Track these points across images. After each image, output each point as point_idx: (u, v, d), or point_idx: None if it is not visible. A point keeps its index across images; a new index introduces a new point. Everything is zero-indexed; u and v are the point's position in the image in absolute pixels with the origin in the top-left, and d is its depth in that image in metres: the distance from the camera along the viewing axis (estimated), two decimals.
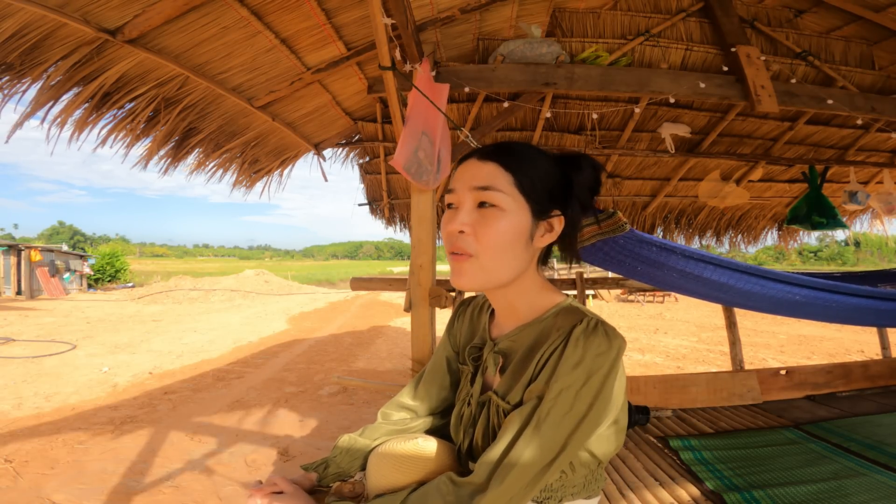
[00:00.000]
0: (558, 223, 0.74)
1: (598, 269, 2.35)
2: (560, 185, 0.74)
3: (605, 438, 0.71)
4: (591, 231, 1.87)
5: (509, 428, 0.65)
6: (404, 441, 0.77)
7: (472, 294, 0.95)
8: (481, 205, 0.70)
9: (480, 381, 0.79)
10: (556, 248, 0.79)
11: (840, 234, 4.28)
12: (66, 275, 17.07)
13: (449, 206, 0.75)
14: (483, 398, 0.76)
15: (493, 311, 0.86)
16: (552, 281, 1.15)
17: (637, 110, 2.72)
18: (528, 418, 0.64)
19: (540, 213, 0.72)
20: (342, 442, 0.87)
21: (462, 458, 0.79)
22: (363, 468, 0.84)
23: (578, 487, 0.74)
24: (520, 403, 0.68)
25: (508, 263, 0.71)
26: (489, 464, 0.63)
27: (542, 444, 0.62)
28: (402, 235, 4.30)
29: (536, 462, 0.62)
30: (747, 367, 2.83)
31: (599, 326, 0.66)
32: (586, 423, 0.64)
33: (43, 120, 1.80)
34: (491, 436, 0.72)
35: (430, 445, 0.77)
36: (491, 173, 0.70)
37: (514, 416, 0.66)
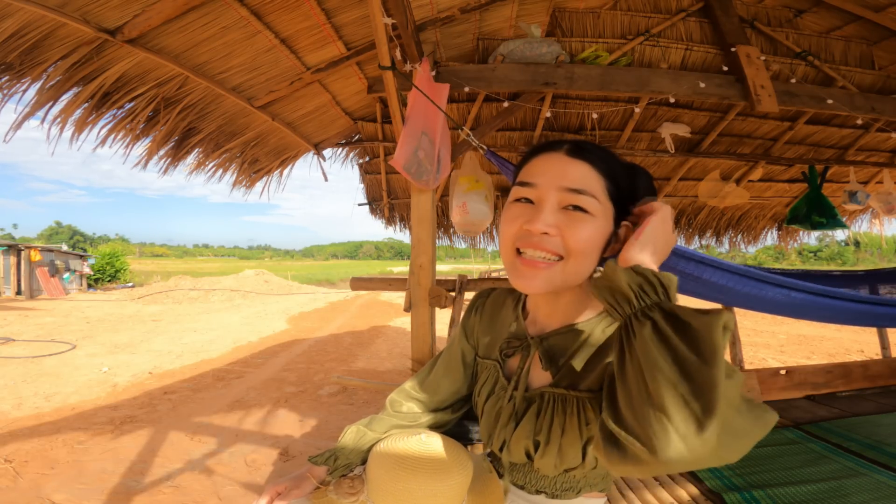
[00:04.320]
0: (625, 233, 0.68)
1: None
2: (630, 194, 0.69)
3: None
4: None
5: None
6: (406, 437, 0.76)
7: (490, 287, 0.93)
8: (566, 206, 0.65)
9: (526, 378, 0.75)
10: None
11: (840, 234, 4.27)
12: (66, 275, 17.05)
13: (520, 199, 0.68)
14: (532, 394, 0.73)
15: (523, 306, 0.82)
16: None
17: (637, 110, 2.72)
18: None
19: (618, 221, 0.68)
20: (350, 434, 0.84)
21: (495, 458, 0.77)
22: (364, 462, 0.83)
23: (598, 479, 0.75)
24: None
25: (584, 271, 0.67)
26: None
27: None
28: (402, 235, 4.32)
29: None
30: (747, 367, 2.83)
31: None
32: None
33: (43, 120, 1.80)
34: (548, 430, 0.68)
35: (433, 441, 0.76)
36: (584, 175, 0.65)
37: None
